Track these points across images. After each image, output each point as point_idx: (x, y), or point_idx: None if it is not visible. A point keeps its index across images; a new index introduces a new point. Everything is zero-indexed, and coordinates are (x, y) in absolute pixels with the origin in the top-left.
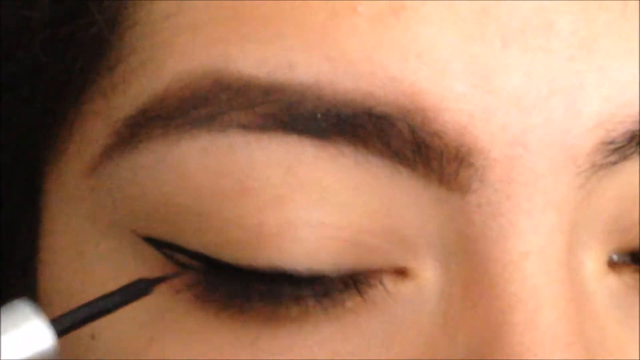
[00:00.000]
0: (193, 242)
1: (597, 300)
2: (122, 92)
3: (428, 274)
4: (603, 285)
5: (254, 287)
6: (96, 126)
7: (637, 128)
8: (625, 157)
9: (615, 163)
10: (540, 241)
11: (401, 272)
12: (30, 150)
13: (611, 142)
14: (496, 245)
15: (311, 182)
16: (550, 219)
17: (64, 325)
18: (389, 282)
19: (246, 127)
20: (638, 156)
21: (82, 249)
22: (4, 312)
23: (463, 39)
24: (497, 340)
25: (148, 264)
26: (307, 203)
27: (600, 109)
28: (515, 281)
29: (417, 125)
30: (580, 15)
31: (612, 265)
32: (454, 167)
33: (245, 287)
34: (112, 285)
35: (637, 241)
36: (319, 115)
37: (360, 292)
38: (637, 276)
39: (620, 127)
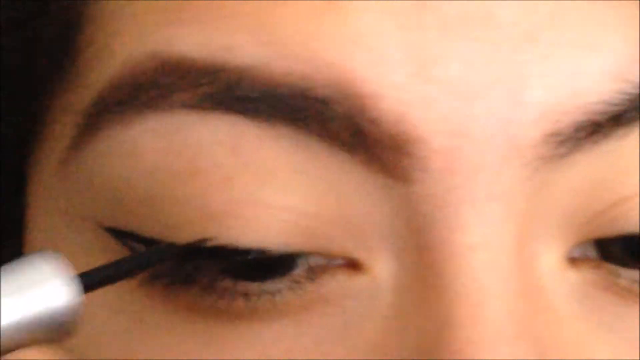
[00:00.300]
0: (148, 228)
1: (553, 294)
2: (82, 84)
3: (381, 267)
4: (561, 279)
5: (203, 279)
6: (63, 121)
7: (586, 119)
8: (575, 149)
9: (565, 155)
10: (487, 233)
11: (355, 266)
12: (13, 149)
13: (557, 134)
14: (442, 237)
15: (255, 162)
16: (495, 210)
17: (91, 281)
18: (342, 276)
19: (191, 107)
20: (592, 148)
21: (58, 244)
22: (29, 262)
23: (401, 27)
24: (443, 334)
25: (112, 257)
26: (252, 183)
27: (545, 100)
28: (461, 274)
29: (354, 110)
30: (522, 6)
31: (572, 260)
32: (393, 155)
33: (194, 277)
34: None
35: (597, 235)
36: (256, 96)
37: (313, 289)
38: (598, 271)
39: (566, 118)
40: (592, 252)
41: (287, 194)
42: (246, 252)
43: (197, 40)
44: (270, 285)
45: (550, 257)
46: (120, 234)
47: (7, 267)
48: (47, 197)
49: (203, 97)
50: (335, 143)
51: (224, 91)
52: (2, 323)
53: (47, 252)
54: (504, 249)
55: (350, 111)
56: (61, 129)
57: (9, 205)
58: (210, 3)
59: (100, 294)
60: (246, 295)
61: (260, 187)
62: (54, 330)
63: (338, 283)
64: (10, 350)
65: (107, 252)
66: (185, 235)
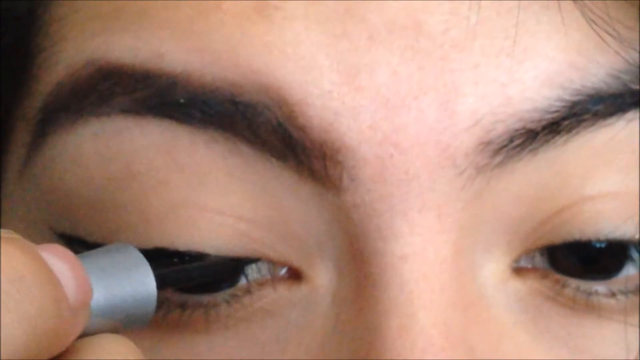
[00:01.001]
0: (93, 233)
1: (495, 305)
2: (33, 91)
3: (321, 276)
4: (504, 290)
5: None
6: (20, 128)
7: (520, 127)
8: (512, 158)
9: (501, 164)
10: (418, 244)
11: (295, 276)
12: None
13: (491, 142)
14: (375, 247)
15: (190, 166)
16: (429, 220)
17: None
18: (283, 288)
19: (126, 112)
20: (530, 156)
21: None
22: (115, 250)
23: (328, 36)
24: (374, 345)
25: None
26: (188, 186)
27: (477, 108)
28: (393, 285)
29: (283, 118)
30: (451, 14)
31: (518, 270)
32: (321, 163)
33: None
34: None
35: (543, 243)
36: (186, 102)
37: (252, 301)
38: (545, 281)
39: (500, 126)
40: (540, 262)
41: (222, 197)
42: (183, 255)
43: (130, 47)
44: (207, 297)
45: (492, 267)
46: (69, 240)
47: (93, 252)
48: (9, 204)
49: (137, 102)
50: (266, 149)
51: (156, 97)
52: (93, 301)
53: (127, 245)
54: (438, 259)
55: (278, 118)
56: (19, 137)
57: None
58: (142, 11)
59: None
60: (182, 306)
61: (195, 190)
62: (136, 316)
63: (278, 295)
64: (97, 330)
65: None
66: (124, 239)
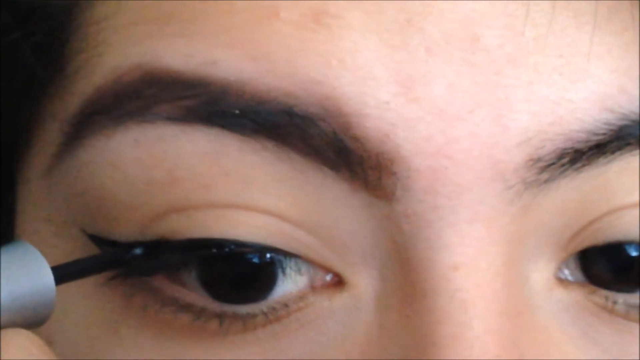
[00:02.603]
0: (130, 234)
1: (543, 313)
2: (69, 92)
3: (364, 284)
4: (550, 299)
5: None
6: (51, 128)
7: (568, 146)
8: (558, 175)
9: (548, 180)
10: (469, 254)
11: (337, 283)
12: (6, 154)
13: (540, 159)
14: (425, 256)
15: (236, 172)
16: (479, 232)
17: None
18: (323, 296)
19: (173, 120)
20: (575, 174)
21: (44, 251)
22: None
23: (386, 47)
24: (426, 353)
25: None
26: (232, 189)
27: (528, 125)
28: (444, 294)
29: (339, 128)
30: (506, 30)
31: (561, 281)
32: (376, 174)
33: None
34: (70, 290)
35: (583, 246)
36: (238, 111)
37: (292, 310)
38: (586, 292)
39: (549, 144)
40: (578, 275)
41: (268, 199)
42: (223, 244)
43: (182, 53)
44: (246, 308)
45: (538, 277)
46: (102, 242)
47: None
48: (33, 204)
49: (185, 110)
50: (319, 159)
51: (206, 105)
52: None
53: (24, 242)
54: (489, 269)
55: (334, 129)
56: (48, 136)
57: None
58: (196, 17)
59: (79, 301)
60: (220, 316)
61: (240, 193)
62: (34, 313)
63: (318, 303)
64: None
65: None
66: (162, 232)
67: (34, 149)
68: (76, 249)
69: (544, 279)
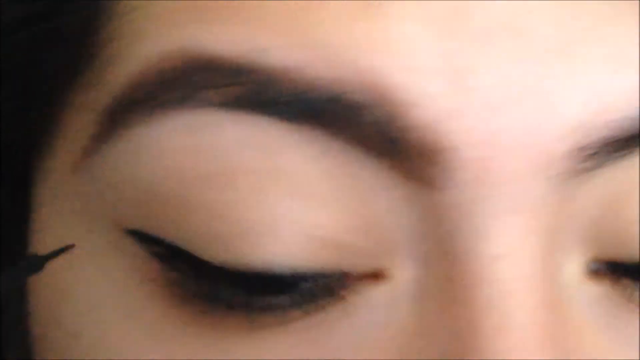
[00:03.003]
0: (175, 233)
1: (575, 305)
2: (101, 82)
3: (404, 275)
4: (581, 291)
5: (229, 290)
6: (81, 119)
7: (613, 134)
8: (602, 164)
9: (591, 169)
10: (512, 244)
11: (377, 275)
12: (18, 149)
13: (586, 148)
14: (468, 247)
15: (282, 166)
16: (521, 221)
17: None
18: (364, 287)
19: (219, 106)
20: (616, 163)
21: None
22: None
23: (436, 37)
24: (469, 344)
25: (131, 261)
26: (283, 193)
27: (575, 114)
28: (487, 285)
29: (387, 117)
30: (554, 20)
31: (592, 273)
32: (422, 163)
33: (220, 288)
34: (99, 284)
35: (616, 250)
36: (287, 99)
37: (333, 301)
38: (616, 287)
39: (594, 133)
40: (606, 267)
41: (320, 205)
42: (273, 277)
43: (229, 39)
44: (286, 299)
45: (571, 269)
46: (142, 237)
47: None
48: (58, 198)
49: (232, 96)
50: (365, 149)
51: (254, 92)
52: None
53: None
54: (528, 260)
55: (383, 118)
56: (77, 127)
57: (10, 207)
58: (243, 3)
59: (114, 297)
60: (271, 307)
61: (293, 198)
62: None
63: (357, 295)
64: None
65: (126, 254)
66: (214, 250)
67: (59, 142)
68: (108, 244)
69: (577, 270)
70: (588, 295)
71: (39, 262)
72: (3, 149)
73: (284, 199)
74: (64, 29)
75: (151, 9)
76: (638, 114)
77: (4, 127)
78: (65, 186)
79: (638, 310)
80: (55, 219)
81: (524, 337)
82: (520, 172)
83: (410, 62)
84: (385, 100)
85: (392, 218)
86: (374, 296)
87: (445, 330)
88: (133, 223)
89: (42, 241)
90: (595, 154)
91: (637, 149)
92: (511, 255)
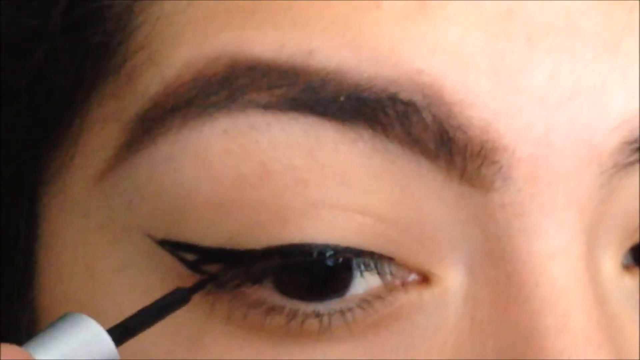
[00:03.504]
0: (212, 236)
1: (615, 301)
2: (129, 90)
3: (452, 277)
4: (619, 285)
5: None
6: (105, 130)
7: None
8: None
9: (634, 162)
10: (564, 242)
11: (425, 279)
12: (29, 165)
13: (633, 141)
14: (521, 246)
15: (331, 164)
16: (572, 218)
17: (119, 336)
18: (414, 292)
19: (265, 107)
20: None
21: (91, 262)
22: (62, 323)
23: (489, 36)
24: (530, 344)
25: (162, 272)
26: (328, 186)
27: (624, 109)
28: (543, 284)
29: (441, 116)
30: (604, 16)
31: (625, 267)
32: (477, 163)
33: (262, 295)
34: (127, 298)
35: None
36: (341, 99)
37: (383, 306)
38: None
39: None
40: (631, 259)
41: (364, 196)
42: (324, 251)
43: (274, 42)
44: (339, 304)
45: (609, 264)
46: (175, 246)
47: (47, 335)
48: (76, 212)
49: (281, 98)
50: (416, 149)
51: (305, 94)
52: None
53: (75, 314)
54: (580, 256)
55: (436, 117)
56: (99, 139)
57: (18, 219)
58: (288, 7)
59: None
60: (317, 315)
61: (336, 189)
62: None
63: (409, 299)
64: None
65: (158, 265)
66: (255, 239)
67: (78, 155)
68: (137, 257)
69: (615, 265)
70: (625, 289)
71: (184, 295)
72: (10, 162)
73: (328, 188)
74: (91, 40)
75: (184, 14)
76: None
77: (15, 142)
78: (86, 199)
79: None
80: (76, 236)
81: (585, 336)
82: (572, 168)
83: (463, 62)
84: (439, 100)
85: (440, 218)
86: (425, 300)
87: (501, 331)
88: (165, 232)
89: (54, 257)
90: (639, 148)
91: None
92: (564, 253)
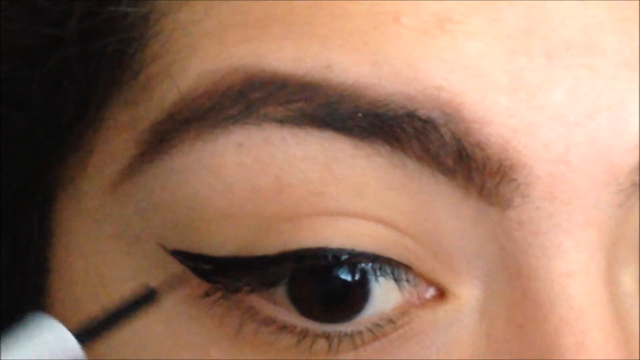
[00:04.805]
0: (225, 246)
1: (633, 317)
2: (144, 100)
3: (468, 293)
4: (636, 301)
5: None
6: (119, 140)
7: None
8: None
9: None
10: (583, 260)
11: (440, 295)
12: (42, 173)
13: None
14: (539, 264)
15: (348, 179)
16: (590, 237)
17: (86, 337)
18: (428, 308)
19: (282, 122)
20: None
21: (103, 270)
22: (26, 325)
23: (508, 53)
24: None
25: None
26: (344, 197)
27: None
28: (561, 302)
29: (460, 134)
30: (623, 34)
31: None
32: (495, 181)
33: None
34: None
35: None
36: (359, 115)
37: (398, 325)
38: None
39: None
40: None
41: (380, 207)
42: (338, 254)
43: (292, 56)
44: (350, 327)
45: (628, 280)
46: (187, 257)
47: (7, 333)
48: (89, 221)
49: (298, 113)
50: (434, 165)
51: (322, 108)
52: None
53: (40, 314)
54: (598, 275)
55: (455, 134)
56: (114, 148)
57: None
58: (305, 21)
59: (161, 323)
60: (327, 337)
61: (352, 201)
62: None
63: (422, 318)
64: None
65: (162, 276)
66: (269, 245)
67: (91, 164)
68: (150, 267)
69: (634, 283)
70: None
71: (152, 295)
72: (25, 169)
73: (344, 199)
74: (106, 50)
75: (205, 25)
76: None
77: (28, 151)
78: (99, 208)
79: None
80: (83, 244)
81: (603, 354)
82: (590, 187)
83: (482, 79)
84: (458, 117)
85: (457, 234)
86: (440, 317)
87: (518, 349)
88: (177, 243)
89: (67, 266)
90: None
91: None
92: (583, 271)
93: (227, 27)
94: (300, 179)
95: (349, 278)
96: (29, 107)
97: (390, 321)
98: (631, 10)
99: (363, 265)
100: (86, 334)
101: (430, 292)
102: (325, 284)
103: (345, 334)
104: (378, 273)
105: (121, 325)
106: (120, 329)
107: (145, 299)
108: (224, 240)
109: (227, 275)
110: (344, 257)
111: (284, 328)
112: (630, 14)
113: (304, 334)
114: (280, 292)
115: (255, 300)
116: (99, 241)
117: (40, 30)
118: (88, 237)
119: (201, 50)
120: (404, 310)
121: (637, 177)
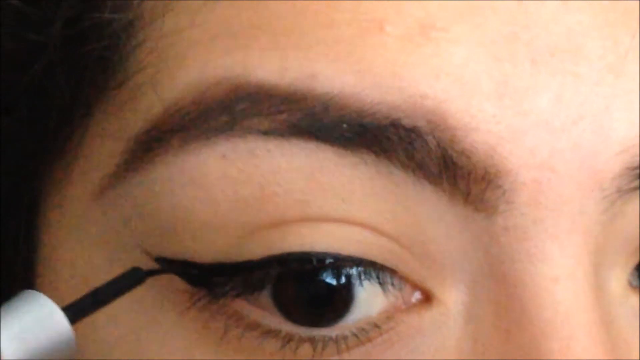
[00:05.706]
0: (209, 253)
1: (621, 322)
2: (131, 109)
3: (454, 298)
4: (626, 306)
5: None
6: (104, 147)
7: None
8: None
9: (636, 189)
10: (568, 265)
11: (426, 300)
12: (28, 178)
13: (635, 167)
14: (525, 269)
15: (333, 187)
16: (576, 242)
17: (74, 314)
18: (413, 313)
19: (266, 134)
20: None
21: (88, 276)
22: (16, 300)
23: (493, 60)
24: None
25: (158, 289)
26: (329, 204)
27: (627, 134)
28: (547, 307)
29: (445, 141)
30: (608, 39)
31: (631, 287)
32: (481, 187)
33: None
34: (123, 314)
35: None
36: (342, 124)
37: (383, 330)
38: None
39: None
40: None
41: (365, 212)
42: (323, 258)
43: (277, 67)
44: (335, 331)
45: (614, 285)
46: (171, 264)
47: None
48: (75, 226)
49: (283, 124)
50: (420, 173)
51: (307, 119)
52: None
53: (29, 291)
54: (584, 280)
55: (440, 142)
56: (100, 155)
57: (17, 235)
58: (290, 31)
59: (150, 328)
60: (312, 341)
61: (337, 206)
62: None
63: (407, 323)
64: None
65: (154, 282)
66: (254, 250)
67: (77, 170)
68: None
69: (621, 287)
70: (632, 310)
71: (141, 276)
72: (10, 174)
73: (328, 205)
74: (91, 55)
75: (190, 34)
76: None
77: (14, 155)
78: (83, 216)
79: None
80: (69, 251)
81: (589, 358)
82: (575, 193)
83: (467, 86)
84: (443, 125)
85: (442, 240)
86: (425, 321)
87: (504, 353)
88: (161, 249)
89: (53, 273)
90: None
91: None
92: (569, 276)
93: (213, 37)
94: (285, 189)
95: (333, 282)
96: (15, 112)
97: (376, 326)
98: (615, 15)
99: (348, 269)
100: (74, 310)
101: (416, 296)
102: (310, 288)
103: (330, 339)
104: (363, 277)
105: (107, 304)
106: (107, 306)
107: (132, 279)
108: (209, 247)
109: (212, 281)
110: (329, 260)
111: (268, 332)
112: (615, 18)
113: (288, 338)
114: (265, 296)
115: (240, 305)
116: (84, 247)
117: (24, 35)
118: (74, 242)
119: (188, 60)
120: (389, 315)
121: (622, 183)
